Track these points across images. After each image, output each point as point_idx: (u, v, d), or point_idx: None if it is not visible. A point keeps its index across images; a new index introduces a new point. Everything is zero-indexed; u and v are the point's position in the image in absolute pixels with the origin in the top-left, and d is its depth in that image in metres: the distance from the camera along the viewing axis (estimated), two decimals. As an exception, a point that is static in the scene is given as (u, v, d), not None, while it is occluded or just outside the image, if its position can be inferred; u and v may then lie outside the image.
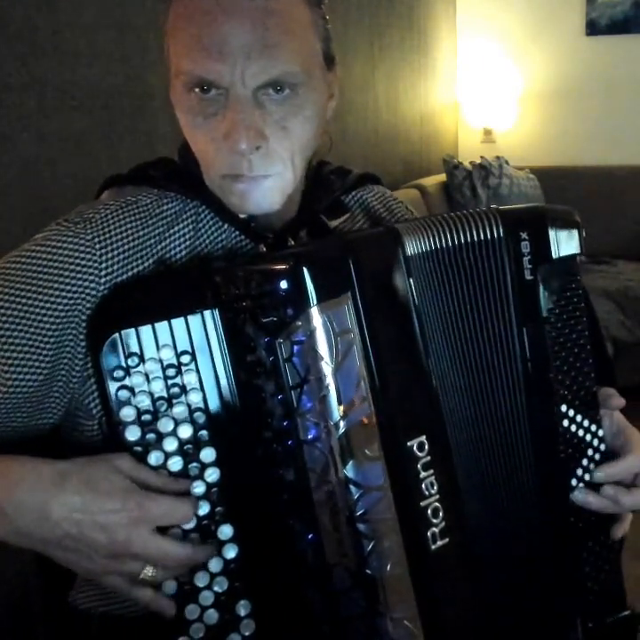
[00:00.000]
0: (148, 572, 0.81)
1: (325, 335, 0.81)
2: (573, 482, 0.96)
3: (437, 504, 0.87)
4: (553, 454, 0.95)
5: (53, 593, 1.02)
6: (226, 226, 0.98)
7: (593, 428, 0.98)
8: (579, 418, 0.97)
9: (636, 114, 4.11)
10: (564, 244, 0.96)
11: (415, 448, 0.86)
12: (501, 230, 0.92)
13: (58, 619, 1.02)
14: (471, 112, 4.48)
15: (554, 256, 0.95)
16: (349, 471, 0.81)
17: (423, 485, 0.86)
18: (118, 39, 2.24)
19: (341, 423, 0.81)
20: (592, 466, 0.98)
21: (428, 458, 0.86)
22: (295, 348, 0.80)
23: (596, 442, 0.98)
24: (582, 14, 4.14)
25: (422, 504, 0.86)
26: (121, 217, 0.93)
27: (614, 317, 3.28)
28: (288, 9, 0.87)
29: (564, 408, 0.96)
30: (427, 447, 0.86)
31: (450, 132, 4.51)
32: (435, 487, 0.87)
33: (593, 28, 4.13)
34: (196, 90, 0.88)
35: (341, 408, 0.81)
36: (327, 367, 0.81)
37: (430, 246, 0.91)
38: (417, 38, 4.07)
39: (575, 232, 0.97)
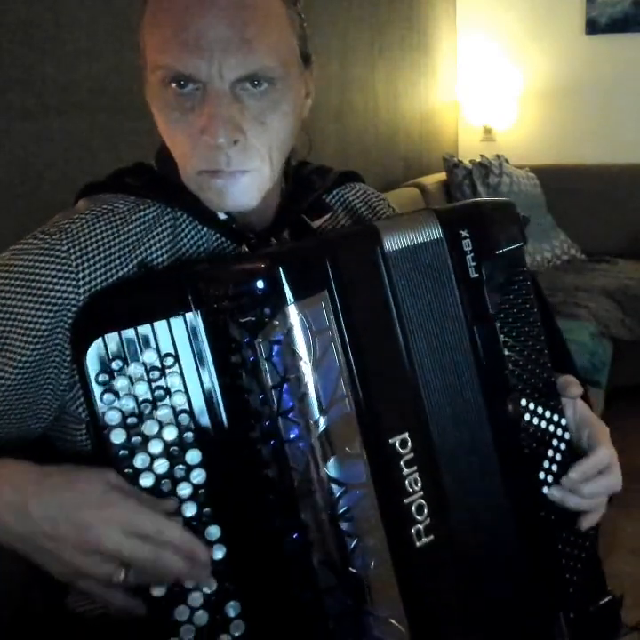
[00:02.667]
0: (120, 575, 0.80)
1: (303, 333, 0.81)
2: (541, 474, 0.96)
3: (422, 501, 0.87)
4: (517, 450, 0.95)
5: (52, 597, 1.03)
6: (205, 229, 0.98)
7: (555, 417, 0.98)
8: (540, 410, 0.97)
9: (636, 113, 4.09)
10: (506, 237, 0.95)
11: (398, 445, 0.86)
12: (440, 230, 0.92)
13: (57, 622, 1.02)
14: (471, 111, 4.47)
15: (497, 251, 0.94)
16: (331, 469, 0.81)
17: (407, 482, 0.86)
18: (118, 39, 2.24)
19: (321, 421, 0.81)
20: (558, 456, 0.98)
21: (412, 455, 0.86)
22: (274, 347, 0.80)
23: (559, 431, 0.98)
24: (582, 13, 4.12)
25: (406, 501, 0.86)
26: (96, 226, 0.93)
27: (614, 316, 3.28)
28: (265, 4, 0.88)
29: (523, 402, 0.96)
30: (410, 444, 0.86)
31: (450, 130, 4.50)
32: (419, 484, 0.87)
33: (593, 27, 4.11)
34: (173, 85, 0.88)
35: (321, 406, 0.81)
36: (305, 366, 0.81)
37: (405, 243, 0.90)
38: (417, 38, 4.06)
39: (516, 224, 0.96)
